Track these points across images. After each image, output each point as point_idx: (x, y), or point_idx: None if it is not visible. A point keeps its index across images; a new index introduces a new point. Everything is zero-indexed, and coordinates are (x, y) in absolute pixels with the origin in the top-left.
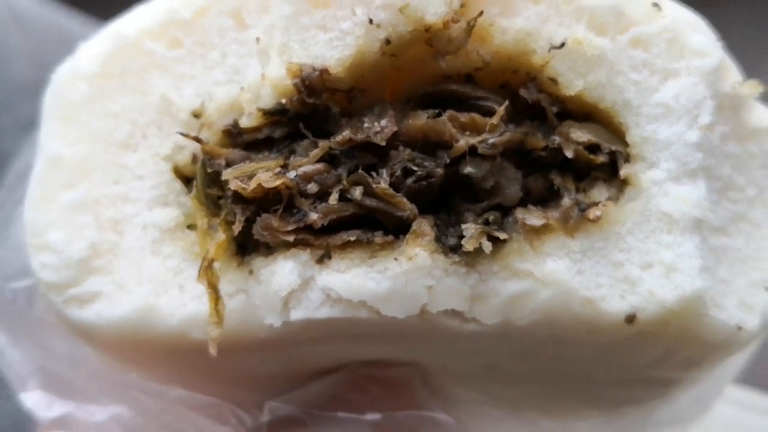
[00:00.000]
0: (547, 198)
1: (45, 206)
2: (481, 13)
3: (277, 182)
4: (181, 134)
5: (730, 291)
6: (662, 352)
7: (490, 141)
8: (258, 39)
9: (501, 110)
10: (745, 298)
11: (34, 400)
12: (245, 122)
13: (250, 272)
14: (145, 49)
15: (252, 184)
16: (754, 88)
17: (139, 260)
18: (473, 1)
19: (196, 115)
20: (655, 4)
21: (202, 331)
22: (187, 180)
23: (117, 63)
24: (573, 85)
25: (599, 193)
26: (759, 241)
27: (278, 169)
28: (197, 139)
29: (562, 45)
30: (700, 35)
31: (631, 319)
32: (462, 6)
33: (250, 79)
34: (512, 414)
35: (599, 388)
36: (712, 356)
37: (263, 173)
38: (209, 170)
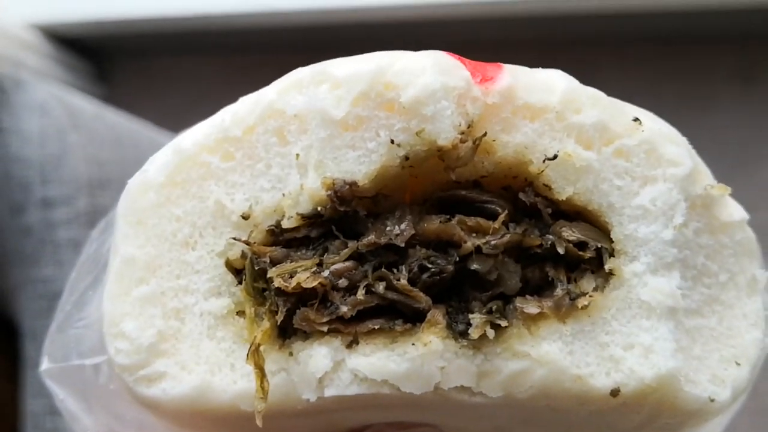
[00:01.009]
0: (543, 286)
1: (120, 300)
2: (485, 133)
3: (315, 283)
4: (235, 239)
5: (704, 366)
6: (645, 418)
7: (492, 243)
8: (297, 155)
9: (501, 217)
10: (718, 373)
11: None
12: (286, 224)
13: (290, 354)
14: (203, 161)
15: (293, 282)
16: (723, 189)
17: (197, 343)
18: (479, 122)
19: (245, 217)
20: (636, 119)
21: (250, 405)
22: (237, 271)
23: (180, 173)
24: (564, 191)
25: (588, 282)
26: (731, 320)
27: (314, 268)
28: (246, 242)
29: (555, 157)
30: (674, 146)
31: (615, 393)
32: (469, 126)
33: (291, 188)
34: None
35: None
36: (688, 423)
37: (302, 272)
38: (256, 267)
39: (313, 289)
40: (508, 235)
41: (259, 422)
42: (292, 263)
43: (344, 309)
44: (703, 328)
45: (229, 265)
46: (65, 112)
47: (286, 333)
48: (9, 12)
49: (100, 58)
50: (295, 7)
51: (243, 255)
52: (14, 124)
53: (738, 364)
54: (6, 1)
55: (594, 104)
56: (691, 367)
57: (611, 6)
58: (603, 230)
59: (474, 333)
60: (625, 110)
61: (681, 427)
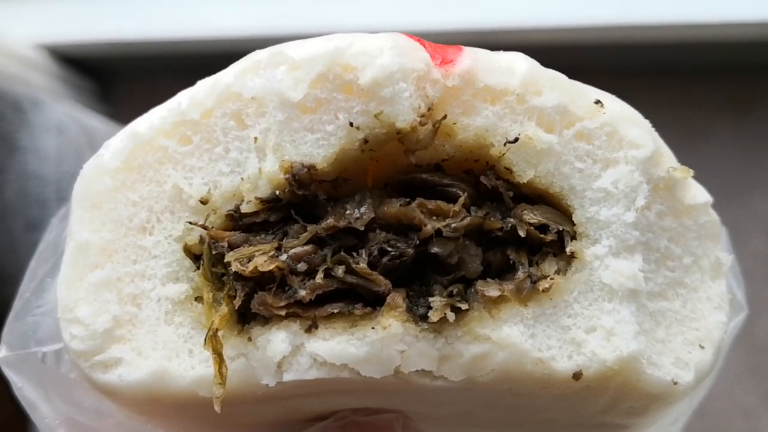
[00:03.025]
0: (505, 270)
1: (75, 285)
2: (445, 116)
3: (272, 266)
4: (191, 223)
5: (667, 350)
6: (609, 402)
7: (453, 225)
8: (256, 138)
9: (461, 200)
10: (681, 356)
11: None
12: (245, 208)
13: (249, 339)
14: (160, 145)
15: (250, 266)
16: (686, 172)
17: (154, 329)
18: (439, 105)
19: (203, 201)
20: (598, 101)
21: (208, 391)
22: (195, 257)
23: (136, 158)
24: (525, 174)
25: (550, 266)
26: (695, 303)
27: (273, 252)
28: (203, 227)
29: (516, 140)
30: (636, 128)
31: (578, 376)
32: (429, 109)
33: (250, 171)
34: None
35: (559, 431)
36: (653, 406)
37: (260, 256)
38: (214, 252)
39: (271, 272)
40: (469, 218)
41: (217, 408)
42: (250, 247)
43: (302, 293)
44: (667, 312)
45: (188, 251)
46: (81, 132)
47: (245, 318)
48: (17, 32)
49: (105, 78)
50: (296, 30)
51: (201, 240)
52: (32, 143)
53: (702, 347)
54: (14, 22)
55: (554, 86)
56: (654, 350)
57: (607, 37)
58: (565, 213)
59: (434, 316)
60: (586, 93)
61: (646, 410)
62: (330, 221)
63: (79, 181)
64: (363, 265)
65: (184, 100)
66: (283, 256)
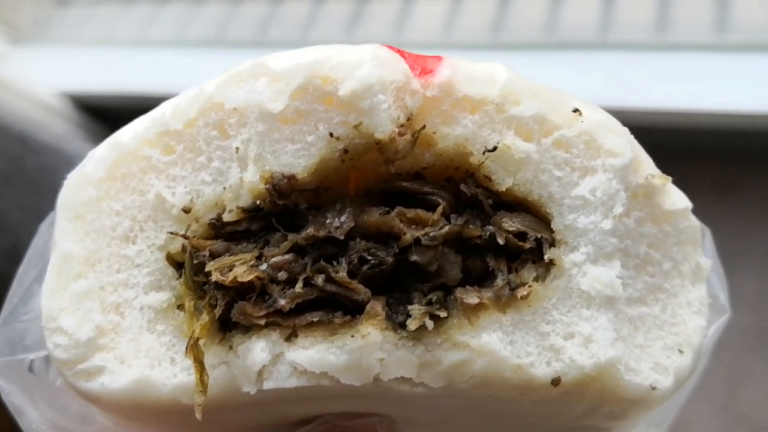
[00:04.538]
0: (484, 277)
1: (58, 295)
2: (424, 126)
3: (251, 276)
4: (172, 233)
5: (646, 355)
6: (588, 407)
7: (432, 234)
8: (237, 149)
9: (440, 209)
10: (660, 361)
11: None
12: (227, 217)
13: (230, 347)
14: (143, 155)
15: (230, 276)
16: (664, 179)
17: (137, 337)
18: (418, 114)
19: (186, 210)
20: (576, 110)
21: (190, 398)
22: (178, 265)
23: (119, 168)
24: (504, 182)
25: (529, 273)
26: (675, 308)
27: (253, 261)
28: (185, 236)
29: (495, 149)
30: (614, 136)
31: (556, 382)
32: (408, 119)
33: (232, 181)
34: None
35: None
36: (632, 410)
37: (240, 266)
38: (195, 261)
39: (251, 282)
40: (448, 227)
41: (198, 415)
42: (231, 257)
43: (282, 302)
44: (646, 317)
45: (170, 259)
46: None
47: (227, 327)
48: (42, 81)
49: (118, 124)
50: None
51: (183, 248)
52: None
53: (681, 351)
54: (39, 72)
55: (533, 96)
56: (633, 356)
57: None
58: (544, 221)
59: (412, 325)
60: (565, 101)
61: (625, 414)
62: (310, 231)
63: (63, 191)
64: (342, 274)
65: (167, 109)
66: (264, 266)
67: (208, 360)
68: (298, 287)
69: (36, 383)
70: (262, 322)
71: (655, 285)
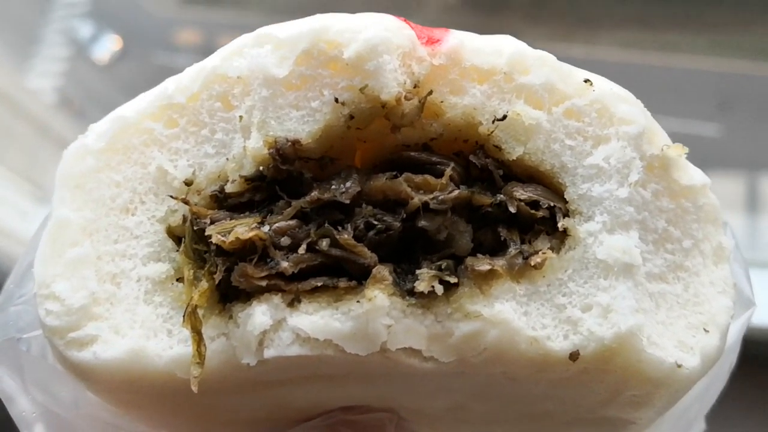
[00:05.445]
0: (497, 249)
1: (52, 261)
2: (431, 92)
3: (251, 234)
4: (172, 197)
5: (669, 332)
6: (610, 389)
7: (440, 198)
8: (241, 117)
9: (448, 171)
10: (685, 339)
11: None
12: (230, 188)
13: (230, 317)
14: (146, 127)
15: (230, 237)
16: (680, 149)
17: (133, 308)
18: (425, 82)
19: (188, 183)
20: (587, 80)
21: (186, 371)
22: (178, 239)
23: (121, 140)
24: (515, 151)
25: (542, 243)
26: (698, 287)
27: (255, 225)
28: (185, 201)
29: (504, 117)
30: (626, 105)
31: (575, 356)
32: (415, 86)
33: (235, 152)
34: None
35: (558, 428)
36: (657, 394)
37: (241, 227)
38: (196, 228)
39: (253, 244)
40: (457, 191)
41: (194, 388)
42: (232, 221)
43: (284, 264)
44: (668, 294)
45: (170, 233)
46: None
47: (228, 299)
48: None
49: None
50: None
51: (184, 220)
52: None
53: (707, 330)
54: None
55: (542, 65)
56: (655, 331)
57: None
58: (557, 192)
59: (420, 286)
60: (574, 72)
61: (650, 399)
62: (314, 194)
63: (62, 162)
64: (348, 237)
65: (170, 85)
66: (266, 228)
67: (207, 332)
68: (301, 251)
69: (27, 363)
70: (264, 283)
71: (676, 263)
